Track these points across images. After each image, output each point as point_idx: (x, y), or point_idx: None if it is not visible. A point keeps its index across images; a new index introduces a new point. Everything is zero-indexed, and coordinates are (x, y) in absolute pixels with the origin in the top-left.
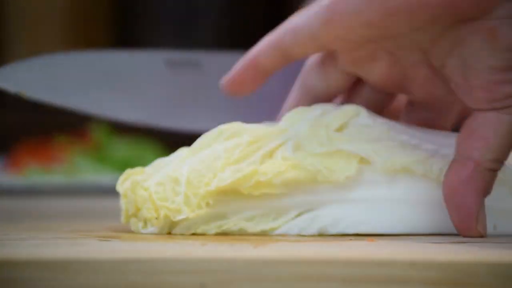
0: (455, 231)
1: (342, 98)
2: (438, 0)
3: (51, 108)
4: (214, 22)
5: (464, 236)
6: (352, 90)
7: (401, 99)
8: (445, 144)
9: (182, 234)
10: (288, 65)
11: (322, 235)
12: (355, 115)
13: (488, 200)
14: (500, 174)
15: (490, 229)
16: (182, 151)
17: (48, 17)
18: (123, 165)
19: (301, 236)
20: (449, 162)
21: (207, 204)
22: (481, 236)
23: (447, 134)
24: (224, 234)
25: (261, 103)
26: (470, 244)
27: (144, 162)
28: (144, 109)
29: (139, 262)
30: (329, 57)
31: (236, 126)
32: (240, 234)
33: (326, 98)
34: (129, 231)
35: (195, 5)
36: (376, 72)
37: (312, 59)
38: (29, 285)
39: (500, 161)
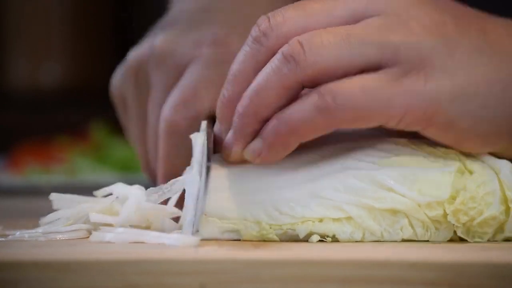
0: None
1: None
2: None
3: (51, 108)
4: None
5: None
6: None
7: None
8: None
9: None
10: None
11: None
12: None
13: None
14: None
15: None
16: None
17: (49, 26)
18: (123, 165)
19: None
20: None
21: None
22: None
23: None
24: None
25: None
26: (470, 244)
27: None
28: None
29: (138, 263)
30: None
31: None
32: None
33: None
34: None
35: None
36: None
37: None
38: (29, 286)
39: None
